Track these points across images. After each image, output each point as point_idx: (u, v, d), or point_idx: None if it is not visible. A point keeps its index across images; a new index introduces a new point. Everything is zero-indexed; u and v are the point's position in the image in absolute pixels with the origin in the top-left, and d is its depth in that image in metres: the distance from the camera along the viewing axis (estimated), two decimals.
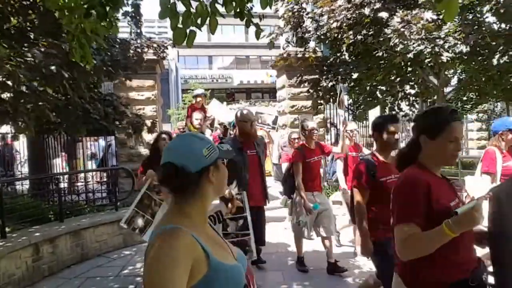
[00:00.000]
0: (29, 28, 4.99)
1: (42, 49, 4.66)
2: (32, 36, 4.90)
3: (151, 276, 1.10)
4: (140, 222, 4.00)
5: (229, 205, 2.19)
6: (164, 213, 1.32)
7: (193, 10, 2.40)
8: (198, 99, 7.00)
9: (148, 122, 7.89)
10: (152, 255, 1.13)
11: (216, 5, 2.63)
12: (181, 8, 2.45)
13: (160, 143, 4.36)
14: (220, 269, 1.18)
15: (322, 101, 8.62)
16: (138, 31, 8.61)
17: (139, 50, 7.91)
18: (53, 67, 4.52)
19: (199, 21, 2.45)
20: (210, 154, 1.27)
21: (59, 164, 8.21)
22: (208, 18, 2.44)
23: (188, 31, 2.39)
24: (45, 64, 4.50)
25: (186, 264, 1.11)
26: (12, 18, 4.79)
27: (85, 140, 9.19)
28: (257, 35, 2.82)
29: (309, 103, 9.01)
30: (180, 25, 2.36)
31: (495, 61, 6.39)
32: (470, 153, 12.24)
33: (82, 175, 8.10)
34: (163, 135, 4.50)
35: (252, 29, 2.89)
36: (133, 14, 8.16)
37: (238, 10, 2.51)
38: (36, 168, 7.53)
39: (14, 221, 5.29)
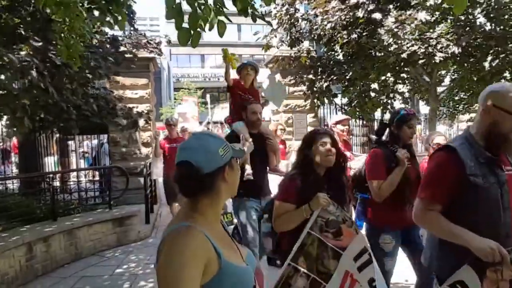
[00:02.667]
0: (20, 26, 4.94)
1: (23, 53, 4.60)
2: (22, 33, 4.85)
3: (165, 274, 1.10)
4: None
5: None
6: (178, 210, 1.33)
7: (199, 12, 2.40)
8: (250, 71, 3.90)
9: (142, 120, 7.85)
10: (166, 252, 1.14)
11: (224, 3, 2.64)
12: (185, 7, 2.44)
13: None
14: (230, 270, 1.19)
15: (317, 102, 8.65)
16: (132, 28, 8.57)
17: (131, 47, 7.86)
18: (33, 71, 4.46)
19: (207, 24, 2.45)
20: (225, 153, 1.27)
21: (51, 163, 8.13)
22: (216, 22, 2.43)
23: (192, 31, 2.38)
24: (27, 67, 4.44)
25: (200, 264, 1.12)
26: (2, 14, 4.74)
27: (77, 139, 9.13)
28: (269, 24, 2.83)
29: (303, 102, 9.04)
30: (185, 25, 2.35)
31: (487, 64, 6.48)
32: None
33: (75, 173, 8.04)
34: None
35: (245, 28, 2.90)
36: (126, 12, 8.12)
37: (241, 8, 2.52)
38: (28, 167, 7.44)
39: (5, 220, 5.23)
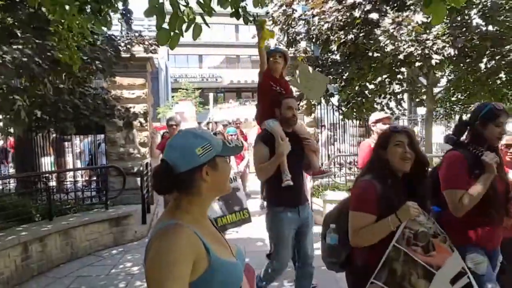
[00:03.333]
0: (16, 25, 4.93)
1: (20, 47, 4.59)
2: (18, 34, 4.84)
3: (154, 272, 1.10)
4: None
5: None
6: (165, 209, 1.33)
7: (180, 14, 2.37)
8: (278, 58, 3.39)
9: (139, 121, 7.83)
10: (155, 250, 1.14)
11: (211, 4, 2.64)
12: (169, 7, 2.43)
13: None
14: (219, 265, 1.19)
15: (314, 102, 8.67)
16: (128, 28, 8.56)
17: (129, 46, 7.85)
18: (34, 66, 4.45)
19: (184, 25, 2.42)
20: (205, 152, 1.24)
21: (48, 162, 8.11)
22: (193, 25, 2.40)
23: (172, 33, 2.36)
24: (25, 64, 4.43)
25: (189, 260, 1.12)
26: None
27: (74, 138, 9.12)
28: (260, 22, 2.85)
29: (300, 102, 9.05)
30: (165, 26, 2.33)
31: (482, 65, 6.50)
32: None
33: (71, 173, 8.02)
34: None
35: (243, 28, 2.92)
36: (123, 12, 8.13)
37: (233, 9, 2.53)
38: (24, 167, 7.43)
39: (1, 219, 5.21)
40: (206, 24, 2.44)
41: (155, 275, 1.10)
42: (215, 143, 1.27)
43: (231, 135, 7.58)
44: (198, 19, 2.47)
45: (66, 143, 8.87)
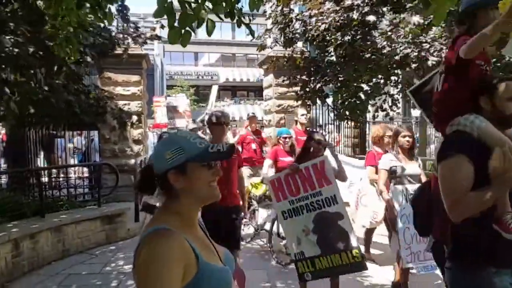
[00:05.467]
0: (9, 17, 4.87)
1: (12, 38, 4.53)
2: (12, 26, 4.78)
3: (144, 278, 1.10)
4: None
5: None
6: (154, 214, 1.31)
7: (190, 12, 2.38)
8: None
9: (134, 118, 7.79)
10: (145, 256, 1.12)
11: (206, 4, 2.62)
12: (176, 6, 2.42)
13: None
14: (209, 271, 1.18)
15: (309, 102, 8.68)
16: (125, 24, 8.49)
17: (122, 41, 7.79)
18: (25, 56, 4.40)
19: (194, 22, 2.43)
20: (174, 157, 1.21)
21: (40, 158, 8.03)
22: (205, 21, 2.41)
23: (183, 31, 2.36)
24: (17, 54, 4.37)
25: (179, 265, 1.11)
26: None
27: (67, 135, 9.03)
28: (252, 34, 2.83)
29: (295, 102, 9.06)
30: (176, 25, 2.33)
31: None
32: None
33: (64, 170, 7.95)
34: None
35: (240, 27, 2.89)
36: (120, 8, 8.06)
37: (228, 10, 2.52)
38: (16, 162, 7.34)
39: None
40: (221, 18, 2.47)
41: (145, 281, 1.09)
42: (188, 148, 1.23)
43: (284, 137, 4.88)
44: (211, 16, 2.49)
45: (58, 140, 8.76)
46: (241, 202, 3.93)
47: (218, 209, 2.99)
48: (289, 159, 4.63)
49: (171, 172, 1.21)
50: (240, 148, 6.84)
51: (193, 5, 2.42)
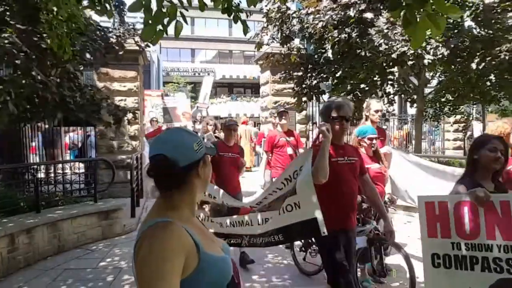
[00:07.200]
0: (7, 13, 4.84)
1: (7, 35, 4.50)
2: (8, 20, 4.75)
3: (145, 270, 1.10)
4: None
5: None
6: (152, 206, 1.32)
7: (164, 10, 2.35)
8: None
9: (130, 114, 7.77)
10: (146, 248, 1.13)
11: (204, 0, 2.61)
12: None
13: None
14: (210, 261, 1.20)
15: (305, 99, 8.70)
16: (121, 19, 8.46)
17: (120, 38, 7.76)
18: (21, 54, 4.37)
19: (166, 21, 2.39)
20: (200, 149, 1.29)
21: (39, 154, 8.01)
22: (175, 21, 2.36)
23: (157, 29, 2.33)
24: (12, 49, 4.34)
25: (180, 258, 1.13)
26: None
27: (63, 131, 8.99)
28: (245, 32, 2.83)
29: (292, 99, 9.08)
30: (150, 22, 2.30)
31: (474, 65, 6.57)
32: (446, 153, 12.66)
33: (60, 165, 7.91)
34: None
35: (236, 24, 2.89)
36: (116, 3, 8.03)
37: (225, 6, 2.51)
38: (12, 158, 7.31)
39: None
40: (185, 22, 2.40)
41: (147, 273, 1.09)
42: (202, 141, 1.34)
43: (370, 138, 3.81)
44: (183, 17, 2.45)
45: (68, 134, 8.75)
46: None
47: None
48: (376, 166, 3.77)
49: (201, 162, 1.29)
50: (270, 154, 5.66)
51: (167, 4, 2.39)
